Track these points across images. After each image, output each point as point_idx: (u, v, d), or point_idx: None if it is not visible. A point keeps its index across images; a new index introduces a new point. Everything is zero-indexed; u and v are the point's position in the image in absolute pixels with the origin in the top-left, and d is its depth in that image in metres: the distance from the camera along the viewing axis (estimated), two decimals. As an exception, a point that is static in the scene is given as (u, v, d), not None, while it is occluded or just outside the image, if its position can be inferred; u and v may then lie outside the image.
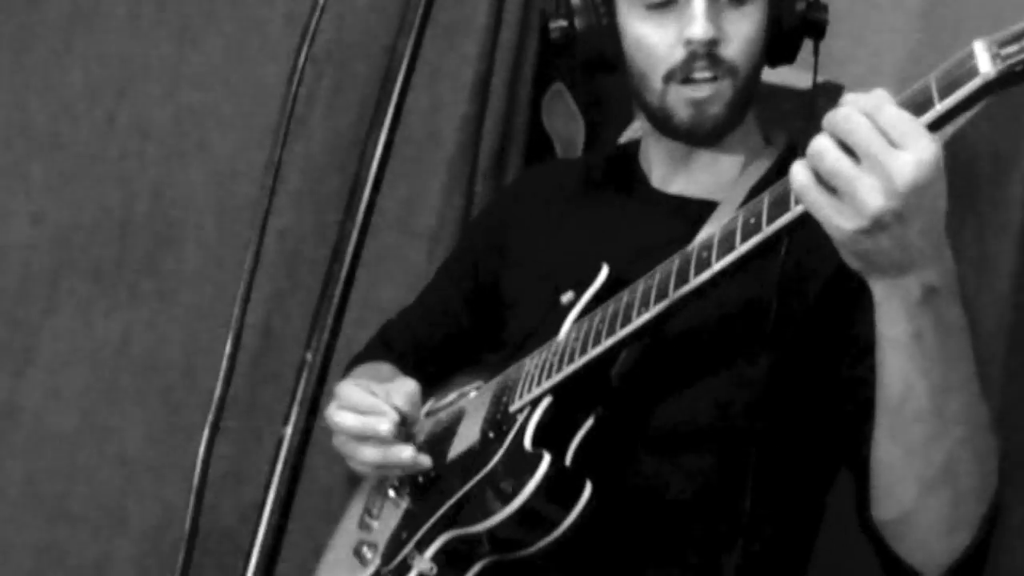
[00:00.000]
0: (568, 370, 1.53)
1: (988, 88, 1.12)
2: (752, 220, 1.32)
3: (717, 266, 1.36)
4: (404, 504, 1.72)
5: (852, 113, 1.14)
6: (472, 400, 1.78)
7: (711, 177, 1.77)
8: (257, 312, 2.41)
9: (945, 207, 1.18)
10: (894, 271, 1.21)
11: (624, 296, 1.51)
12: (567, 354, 1.55)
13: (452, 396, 1.86)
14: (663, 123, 1.72)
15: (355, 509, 1.85)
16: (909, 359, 1.27)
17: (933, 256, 1.20)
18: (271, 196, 1.31)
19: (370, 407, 1.64)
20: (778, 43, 1.72)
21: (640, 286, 1.49)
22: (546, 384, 1.56)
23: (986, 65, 1.11)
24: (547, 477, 1.45)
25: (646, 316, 1.44)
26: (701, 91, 1.65)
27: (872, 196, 1.13)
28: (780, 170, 1.52)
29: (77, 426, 2.49)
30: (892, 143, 1.12)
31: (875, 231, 1.15)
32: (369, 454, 1.64)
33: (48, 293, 2.51)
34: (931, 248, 1.20)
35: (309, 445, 1.04)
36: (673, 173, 1.80)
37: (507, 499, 1.46)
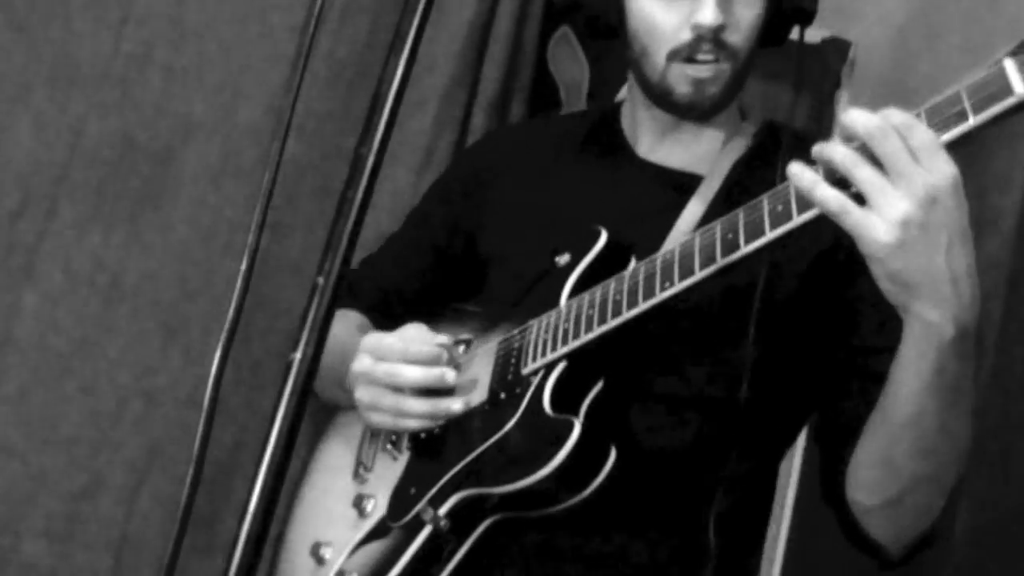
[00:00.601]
0: (587, 338, 1.58)
1: (1021, 107, 1.22)
2: (780, 207, 1.39)
3: (747, 248, 1.42)
4: (403, 458, 1.75)
5: (888, 130, 1.24)
6: (467, 356, 1.79)
7: (695, 150, 1.83)
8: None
9: (970, 235, 1.28)
10: (927, 297, 1.29)
11: (643, 268, 1.55)
12: (584, 321, 1.59)
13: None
14: (661, 97, 1.77)
15: (342, 460, 1.86)
16: (927, 387, 1.38)
17: (964, 293, 1.29)
18: (287, 130, 1.29)
19: (418, 355, 1.68)
20: (771, 28, 1.78)
21: (660, 259, 1.54)
22: (563, 349, 1.61)
23: (1019, 85, 1.21)
24: (579, 443, 1.51)
25: (671, 290, 1.50)
26: (703, 71, 1.72)
27: (898, 203, 1.23)
28: (760, 148, 1.78)
29: (71, 350, 2.48)
30: (917, 161, 1.23)
31: (904, 244, 1.24)
32: (419, 407, 1.68)
33: (46, 215, 2.49)
34: (962, 281, 1.29)
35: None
36: (658, 143, 1.85)
37: (537, 463, 1.52)
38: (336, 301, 1.03)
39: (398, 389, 1.68)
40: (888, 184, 1.24)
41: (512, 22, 2.59)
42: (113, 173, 2.50)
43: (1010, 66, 1.22)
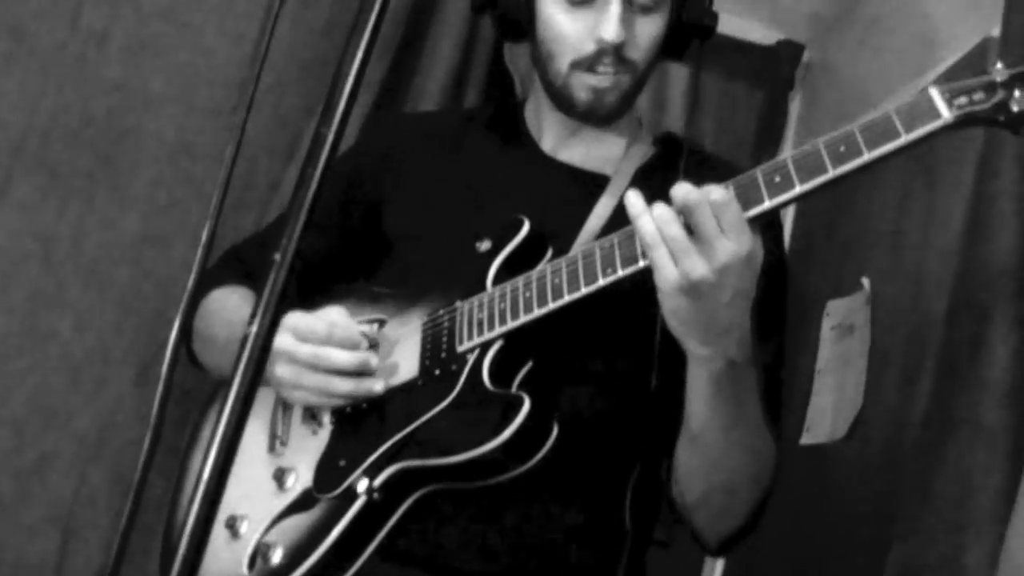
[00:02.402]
0: (527, 318, 1.65)
1: (944, 129, 1.41)
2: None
3: None
4: (324, 432, 1.77)
5: (703, 204, 1.42)
6: (386, 335, 1.82)
7: (598, 152, 1.93)
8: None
9: (752, 293, 1.49)
10: (703, 339, 1.50)
11: (582, 255, 1.63)
12: (522, 303, 1.67)
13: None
14: (562, 102, 1.87)
15: (253, 434, 1.84)
16: (708, 409, 1.60)
17: (736, 334, 1.51)
18: (246, 117, 1.31)
19: (344, 339, 1.71)
20: (673, 43, 1.89)
21: (598, 246, 1.61)
22: (501, 328, 1.67)
23: (945, 111, 1.40)
24: (528, 416, 1.58)
25: (612, 277, 1.58)
26: (603, 81, 1.82)
27: (697, 265, 1.42)
28: (662, 156, 1.93)
29: (22, 328, 2.47)
30: (723, 233, 1.42)
31: (694, 294, 1.44)
32: (344, 387, 1.71)
33: (0, 190, 2.48)
34: (736, 325, 1.50)
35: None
36: (563, 144, 1.95)
37: (486, 435, 1.59)
38: (291, 277, 1.04)
39: (334, 370, 1.71)
40: (691, 247, 1.43)
41: (468, 14, 2.61)
42: (69, 148, 2.49)
43: (935, 93, 1.41)
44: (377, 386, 1.71)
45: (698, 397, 1.60)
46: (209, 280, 2.03)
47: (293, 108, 2.57)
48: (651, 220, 1.45)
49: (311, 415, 1.81)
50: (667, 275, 1.45)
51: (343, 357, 1.70)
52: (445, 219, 1.89)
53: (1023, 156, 2.15)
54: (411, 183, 1.97)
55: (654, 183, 1.79)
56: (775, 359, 1.83)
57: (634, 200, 1.48)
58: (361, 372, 1.71)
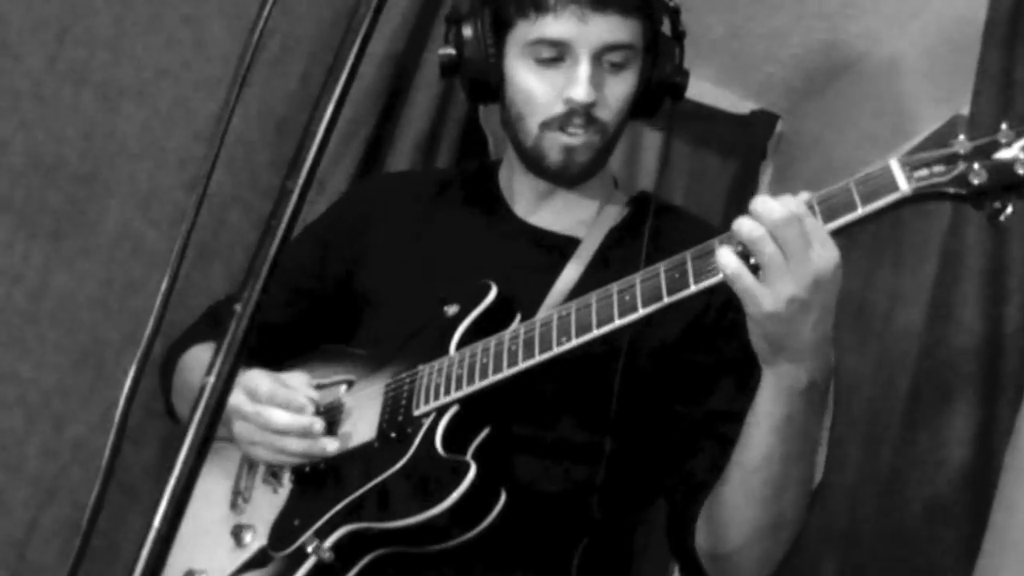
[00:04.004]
0: (481, 384, 1.65)
1: (903, 202, 1.39)
2: (677, 275, 1.50)
3: (644, 310, 1.53)
4: (283, 491, 1.78)
5: (792, 219, 1.37)
6: (352, 396, 1.82)
7: (571, 215, 1.93)
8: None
9: (833, 311, 1.44)
10: (789, 356, 1.44)
11: (538, 323, 1.63)
12: (479, 369, 1.66)
13: (313, 384, 1.86)
14: (533, 162, 1.87)
15: (218, 489, 1.87)
16: (776, 433, 1.52)
17: (820, 354, 1.46)
18: (214, 160, 1.31)
19: (288, 401, 1.70)
20: (644, 101, 1.88)
21: (556, 315, 1.62)
22: (456, 394, 1.66)
23: (903, 183, 1.37)
24: (473, 482, 1.57)
25: (567, 345, 1.58)
26: (574, 140, 1.81)
27: (789, 283, 1.37)
28: (634, 217, 1.90)
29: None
30: (810, 247, 1.38)
31: (784, 316, 1.39)
32: (295, 446, 1.70)
33: (-33, 230, 2.46)
34: (821, 345, 1.45)
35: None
36: (536, 206, 1.94)
37: (431, 500, 1.58)
38: (253, 329, 1.04)
39: (276, 431, 1.70)
40: (785, 265, 1.37)
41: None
42: (38, 190, 2.47)
43: (895, 166, 1.39)
44: (330, 446, 1.69)
45: (770, 425, 1.52)
46: (189, 337, 2.07)
47: (264, 163, 2.57)
48: (733, 253, 1.40)
49: (272, 473, 1.81)
50: (759, 304, 1.39)
51: (283, 419, 1.68)
52: (415, 282, 1.89)
53: (986, 240, 2.18)
54: (383, 246, 1.97)
55: (624, 246, 1.83)
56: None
57: (728, 259, 1.42)
58: (306, 434, 1.70)
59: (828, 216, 1.40)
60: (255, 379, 1.71)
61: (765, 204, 1.38)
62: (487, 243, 1.93)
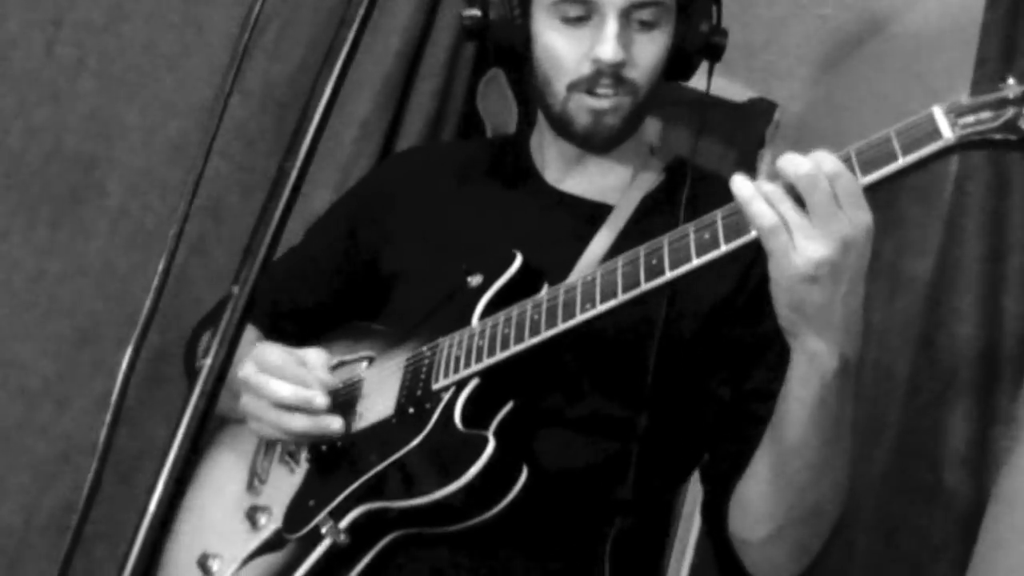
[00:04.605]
0: (501, 356, 1.58)
1: (947, 151, 1.29)
2: (707, 236, 1.41)
3: (672, 273, 1.44)
4: (300, 471, 1.73)
5: (819, 177, 1.30)
6: (372, 372, 1.78)
7: (603, 181, 1.85)
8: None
9: (863, 284, 1.36)
10: (818, 329, 1.36)
11: (563, 289, 1.55)
12: (500, 339, 1.59)
13: (333, 361, 1.83)
14: (561, 127, 1.79)
15: (234, 471, 1.84)
16: (810, 417, 1.44)
17: (851, 331, 1.38)
18: (211, 142, 1.31)
19: (297, 376, 1.65)
20: (678, 62, 1.80)
21: (581, 281, 1.54)
22: (476, 366, 1.60)
23: (947, 131, 1.28)
24: (492, 458, 1.50)
25: (591, 312, 1.50)
26: (602, 103, 1.73)
27: (818, 244, 1.30)
28: (670, 183, 1.81)
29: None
30: (840, 207, 1.30)
31: (813, 280, 1.31)
32: (298, 423, 1.65)
33: (-35, 215, 2.45)
34: (852, 318, 1.37)
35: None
36: (567, 173, 1.87)
37: (448, 477, 1.51)
38: (249, 311, 1.04)
39: (277, 404, 1.66)
40: (809, 225, 1.30)
41: (446, 55, 2.62)
42: (37, 175, 2.47)
43: (938, 113, 1.29)
44: (334, 424, 1.64)
45: (802, 407, 1.44)
46: (210, 318, 2.04)
47: (263, 148, 2.56)
48: (765, 203, 1.33)
49: (289, 453, 1.76)
50: (788, 263, 1.32)
51: (285, 391, 1.64)
52: (439, 255, 1.83)
53: (989, 223, 2.18)
54: (410, 222, 1.92)
55: (660, 212, 1.76)
56: None
57: (740, 183, 1.35)
58: (307, 409, 1.65)
59: (866, 168, 1.31)
60: (266, 350, 1.68)
61: (787, 160, 1.33)
62: (515, 212, 1.86)
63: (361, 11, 1.12)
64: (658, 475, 1.71)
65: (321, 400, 1.63)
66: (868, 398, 2.60)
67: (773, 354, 1.56)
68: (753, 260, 1.44)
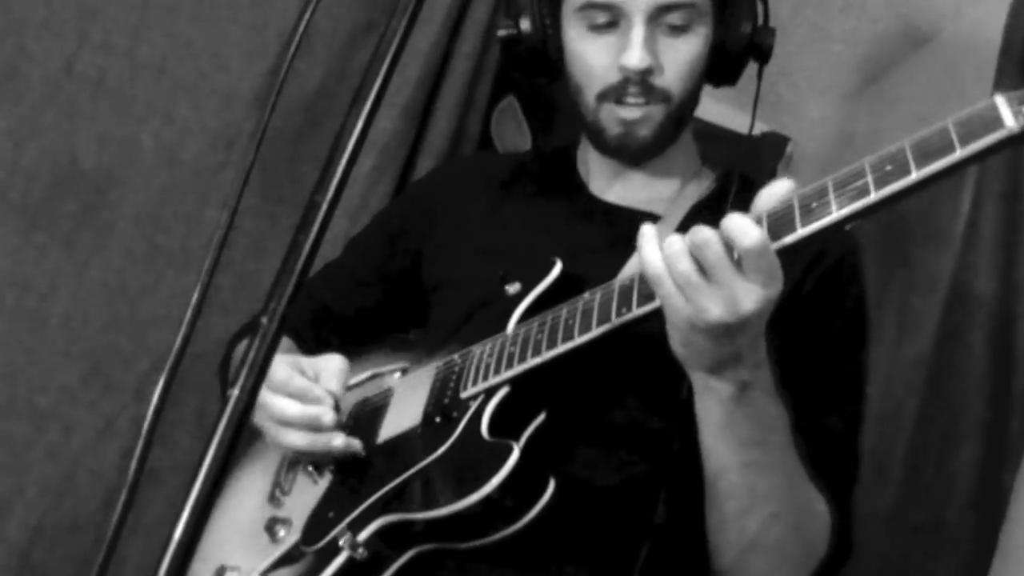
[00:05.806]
0: (533, 362, 1.52)
1: (1010, 142, 1.20)
2: None
3: None
4: (323, 482, 1.68)
5: (712, 242, 1.27)
6: (403, 381, 1.75)
7: (650, 191, 1.82)
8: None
9: (767, 316, 1.32)
10: (712, 368, 1.36)
11: (599, 293, 1.51)
12: (531, 346, 1.54)
13: (367, 374, 1.82)
14: (595, 137, 1.77)
15: (257, 483, 1.80)
16: (723, 443, 1.43)
17: (748, 356, 1.35)
18: (247, 177, 1.31)
19: (303, 391, 1.61)
20: (721, 66, 1.75)
21: (618, 285, 1.49)
22: (506, 374, 1.55)
23: (1010, 119, 1.19)
24: (514, 470, 1.43)
25: (627, 316, 1.45)
26: (632, 112, 1.70)
27: (712, 306, 1.28)
28: (721, 193, 1.74)
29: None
30: (743, 272, 1.26)
31: (708, 335, 1.30)
32: (297, 440, 1.62)
33: (-18, 231, 2.45)
34: (748, 349, 1.34)
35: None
36: (611, 183, 1.84)
37: (470, 486, 1.44)
38: (278, 342, 1.03)
39: (281, 422, 1.63)
40: (705, 287, 1.28)
41: (464, 84, 2.63)
42: (52, 195, 2.46)
43: (1001, 102, 1.22)
44: (336, 441, 1.60)
45: (710, 432, 1.44)
46: (246, 330, 2.02)
47: (284, 173, 2.56)
48: (658, 252, 1.31)
49: (315, 465, 1.72)
50: (676, 307, 1.31)
51: (291, 409, 1.60)
52: (481, 265, 1.78)
53: (999, 260, 2.18)
54: (452, 231, 1.89)
55: (708, 222, 1.68)
56: (848, 426, 1.67)
57: (645, 230, 1.35)
58: (313, 426, 1.60)
59: (922, 161, 1.24)
60: (274, 366, 1.60)
61: (696, 228, 1.30)
62: (558, 223, 1.82)
63: (392, 48, 1.12)
64: (690, 495, 1.63)
65: (328, 418, 1.59)
66: (875, 434, 2.60)
67: (821, 368, 1.57)
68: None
